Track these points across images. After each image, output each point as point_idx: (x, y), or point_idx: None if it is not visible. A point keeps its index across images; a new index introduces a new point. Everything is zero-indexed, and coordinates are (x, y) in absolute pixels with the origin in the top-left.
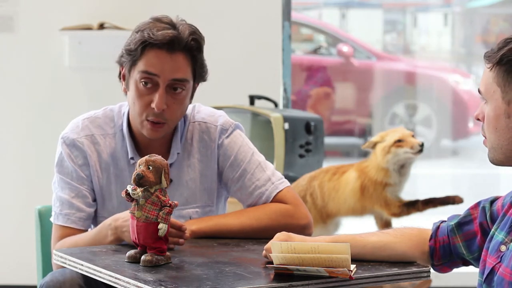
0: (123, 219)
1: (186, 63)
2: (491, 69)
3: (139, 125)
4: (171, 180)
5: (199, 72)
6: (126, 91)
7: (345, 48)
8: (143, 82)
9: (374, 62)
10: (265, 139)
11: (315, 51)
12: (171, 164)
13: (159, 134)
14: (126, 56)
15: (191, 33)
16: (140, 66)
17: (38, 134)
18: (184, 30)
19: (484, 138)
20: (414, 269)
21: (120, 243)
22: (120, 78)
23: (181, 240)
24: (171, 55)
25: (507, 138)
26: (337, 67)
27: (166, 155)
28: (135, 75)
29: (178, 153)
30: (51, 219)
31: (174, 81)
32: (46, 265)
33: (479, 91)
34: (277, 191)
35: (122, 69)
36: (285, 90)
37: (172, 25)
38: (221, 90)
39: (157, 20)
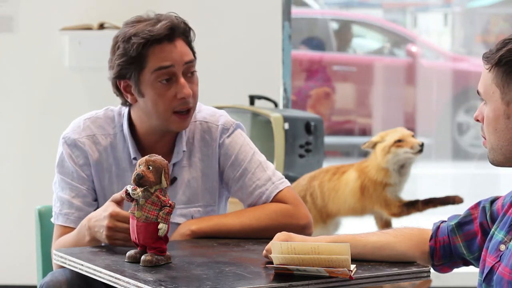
0: (95, 219)
1: (186, 45)
2: (490, 70)
3: (165, 122)
4: (175, 179)
5: (194, 54)
6: (135, 100)
7: (414, 48)
8: (161, 80)
9: (443, 62)
10: (265, 139)
11: (378, 51)
12: (175, 163)
13: (187, 123)
14: (128, 66)
15: (177, 17)
16: (151, 66)
17: (38, 134)
18: (171, 18)
19: (483, 139)
20: (414, 269)
21: (100, 244)
22: (119, 93)
23: None
24: (173, 44)
25: (507, 139)
26: (405, 68)
27: (169, 154)
28: (149, 77)
29: (184, 151)
30: (52, 219)
31: (187, 64)
32: (46, 265)
33: (478, 92)
34: (278, 191)
35: (122, 83)
36: (285, 90)
37: (157, 18)
38: (221, 90)
39: (137, 22)
